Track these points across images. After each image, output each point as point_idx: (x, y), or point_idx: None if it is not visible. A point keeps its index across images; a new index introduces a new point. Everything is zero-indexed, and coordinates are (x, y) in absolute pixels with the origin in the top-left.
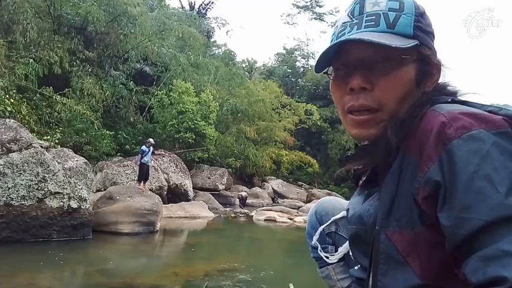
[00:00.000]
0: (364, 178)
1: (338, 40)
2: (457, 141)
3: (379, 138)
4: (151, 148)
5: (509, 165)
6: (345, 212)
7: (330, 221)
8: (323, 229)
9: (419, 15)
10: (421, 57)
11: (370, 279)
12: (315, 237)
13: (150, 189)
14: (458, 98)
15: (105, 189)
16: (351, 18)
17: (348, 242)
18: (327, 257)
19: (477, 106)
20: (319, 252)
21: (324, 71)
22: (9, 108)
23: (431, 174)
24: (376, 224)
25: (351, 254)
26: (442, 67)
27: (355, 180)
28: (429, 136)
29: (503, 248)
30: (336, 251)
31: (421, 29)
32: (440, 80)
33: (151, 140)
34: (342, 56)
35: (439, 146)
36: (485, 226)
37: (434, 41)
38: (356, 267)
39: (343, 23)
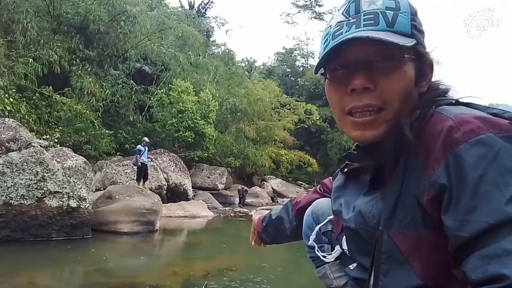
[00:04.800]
0: (364, 177)
1: (344, 38)
2: (464, 146)
3: (385, 138)
4: (146, 147)
5: None
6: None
7: (326, 220)
8: (319, 228)
9: (414, 14)
10: (418, 56)
11: (372, 278)
12: (312, 237)
13: (149, 189)
14: (462, 100)
15: (104, 189)
16: (347, 18)
17: (344, 240)
18: (324, 256)
19: (482, 109)
20: (316, 252)
21: (321, 72)
22: (8, 108)
23: (437, 177)
24: (380, 224)
25: (346, 251)
26: (434, 66)
27: (347, 174)
28: (436, 140)
29: (504, 246)
30: (333, 249)
31: (417, 28)
32: (433, 79)
33: (146, 138)
34: (339, 56)
35: (446, 149)
36: (488, 228)
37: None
38: (352, 266)
39: (338, 22)
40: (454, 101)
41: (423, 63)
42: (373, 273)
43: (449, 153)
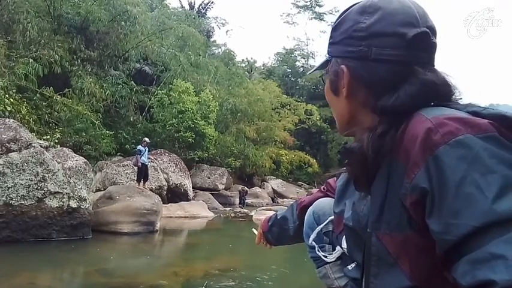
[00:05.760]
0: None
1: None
2: (443, 148)
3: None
4: (147, 148)
5: (497, 170)
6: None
7: (327, 221)
8: (321, 229)
9: (332, 30)
10: (331, 70)
11: (363, 280)
12: (312, 237)
13: (149, 189)
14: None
15: (104, 189)
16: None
17: (344, 239)
18: (325, 256)
19: (461, 108)
20: (316, 251)
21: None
22: (9, 108)
23: (418, 181)
24: (368, 226)
25: (345, 249)
26: (345, 70)
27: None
28: (415, 142)
29: (491, 251)
30: (334, 249)
31: (333, 43)
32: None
33: (146, 139)
34: None
35: (425, 152)
36: (474, 231)
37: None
38: (350, 267)
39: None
40: (433, 103)
41: (335, 75)
42: (364, 275)
43: (429, 155)
